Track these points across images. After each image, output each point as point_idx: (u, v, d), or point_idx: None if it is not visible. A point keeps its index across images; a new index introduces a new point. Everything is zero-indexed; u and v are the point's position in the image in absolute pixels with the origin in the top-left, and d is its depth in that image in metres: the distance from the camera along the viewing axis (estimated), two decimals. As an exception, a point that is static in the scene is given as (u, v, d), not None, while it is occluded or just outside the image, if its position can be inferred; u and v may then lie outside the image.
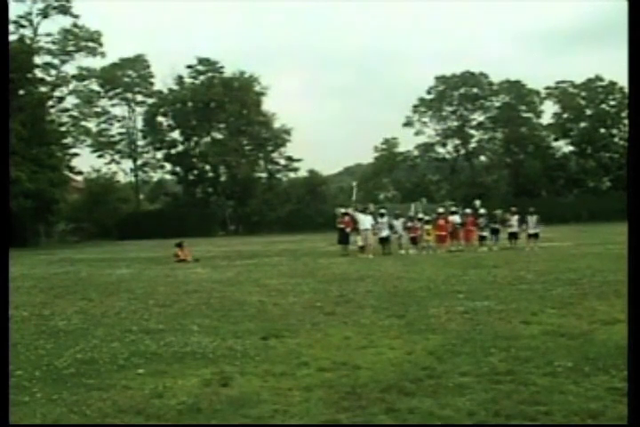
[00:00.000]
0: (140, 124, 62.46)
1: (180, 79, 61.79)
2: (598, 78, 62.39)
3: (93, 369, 5.96)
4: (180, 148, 61.82)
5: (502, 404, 4.54)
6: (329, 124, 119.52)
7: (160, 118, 62.17)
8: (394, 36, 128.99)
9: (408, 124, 65.01)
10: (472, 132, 66.00)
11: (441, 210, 24.08)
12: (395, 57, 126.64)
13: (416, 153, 66.83)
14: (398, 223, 22.54)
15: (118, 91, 61.49)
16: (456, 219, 22.76)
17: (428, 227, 22.38)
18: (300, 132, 73.71)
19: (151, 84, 63.05)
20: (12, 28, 46.18)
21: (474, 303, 9.18)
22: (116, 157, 62.38)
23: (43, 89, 48.47)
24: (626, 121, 57.89)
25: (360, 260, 19.53)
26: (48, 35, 52.05)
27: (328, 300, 10.14)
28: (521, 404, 4.53)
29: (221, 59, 61.94)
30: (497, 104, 64.93)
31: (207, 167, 61.78)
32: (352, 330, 7.49)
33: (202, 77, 61.95)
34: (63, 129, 52.70)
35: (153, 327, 8.08)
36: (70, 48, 53.34)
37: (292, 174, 64.68)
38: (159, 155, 62.67)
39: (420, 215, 23.64)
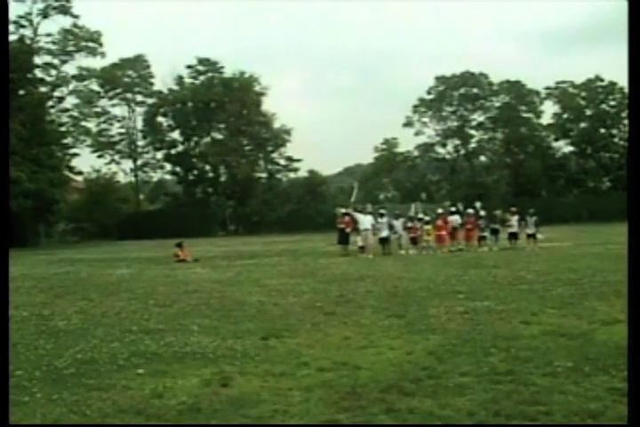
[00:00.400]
0: (140, 124, 62.58)
1: (180, 79, 61.81)
2: (598, 78, 62.39)
3: (93, 369, 5.96)
4: (180, 148, 61.83)
5: (502, 404, 4.54)
6: (329, 124, 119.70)
7: (160, 118, 62.20)
8: (394, 36, 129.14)
9: (408, 124, 65.06)
10: (472, 132, 66.01)
11: (440, 210, 24.11)
12: (395, 57, 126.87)
13: (416, 153, 66.85)
14: (398, 223, 22.55)
15: (118, 91, 61.48)
16: (457, 219, 22.77)
17: (427, 227, 22.40)
18: (300, 132, 73.76)
19: (151, 84, 63.08)
20: (12, 28, 46.21)
21: (474, 303, 9.18)
22: (116, 157, 62.44)
23: (43, 89, 48.48)
24: (626, 121, 57.89)
25: (360, 260, 19.54)
26: (48, 35, 52.15)
27: (328, 300, 10.14)
28: (521, 404, 4.53)
29: (221, 59, 62.04)
30: (497, 104, 64.92)
31: (207, 167, 61.78)
32: (352, 330, 7.49)
33: (202, 77, 61.95)
34: (63, 129, 52.72)
35: (153, 327, 8.09)
36: (70, 48, 53.36)
37: (291, 174, 64.79)
38: (159, 155, 62.77)
39: (420, 215, 23.65)
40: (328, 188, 67.04)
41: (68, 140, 53.12)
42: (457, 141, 65.70)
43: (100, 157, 61.40)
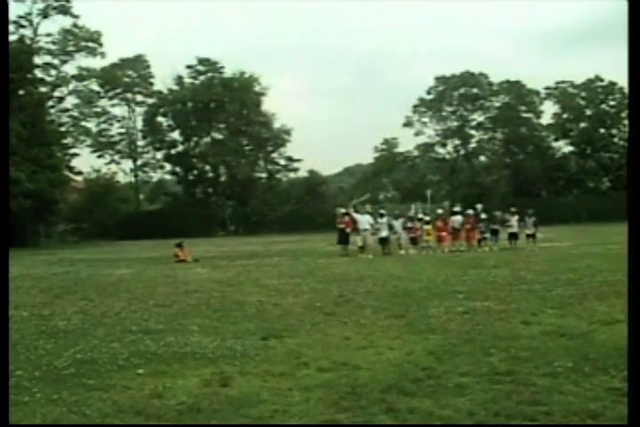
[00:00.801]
0: (139, 124, 62.52)
1: (179, 79, 61.74)
2: (598, 78, 62.38)
3: (93, 369, 5.96)
4: (180, 148, 61.78)
5: (502, 404, 4.54)
6: (329, 124, 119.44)
7: (160, 118, 62.14)
8: (394, 36, 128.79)
9: (408, 124, 65.04)
10: (472, 132, 66.00)
11: (440, 211, 24.13)
12: (395, 57, 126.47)
13: (416, 153, 66.84)
14: (397, 224, 22.56)
15: (118, 91, 61.46)
16: (458, 220, 22.77)
17: (427, 227, 22.44)
18: (300, 132, 73.76)
19: (151, 84, 63.06)
20: (12, 28, 46.17)
21: (474, 303, 9.18)
22: (116, 157, 62.39)
23: (43, 89, 48.46)
24: (626, 121, 57.88)
25: (360, 260, 19.54)
26: (48, 35, 52.14)
27: (328, 300, 10.14)
28: (521, 404, 4.53)
29: (221, 59, 61.97)
30: (497, 104, 64.91)
31: (207, 167, 61.75)
32: (352, 330, 7.49)
33: (202, 77, 61.90)
34: (63, 129, 52.74)
35: (153, 327, 8.09)
36: (70, 48, 53.37)
37: (291, 174, 64.72)
38: (159, 155, 62.70)
39: (420, 215, 23.68)
40: (328, 188, 66.98)
41: (68, 141, 53.14)
42: (457, 141, 65.71)
43: (99, 157, 61.43)
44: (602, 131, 61.86)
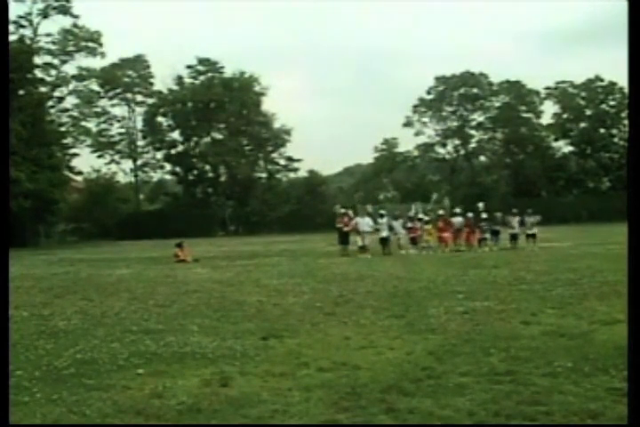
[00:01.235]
0: (139, 124, 62.54)
1: (179, 79, 61.77)
2: (598, 78, 62.39)
3: (93, 369, 5.96)
4: (180, 148, 61.80)
5: (502, 404, 4.54)
6: (329, 124, 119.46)
7: (160, 118, 62.16)
8: (394, 36, 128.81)
9: (408, 124, 65.08)
10: (472, 132, 66.03)
11: (442, 212, 24.15)
12: (395, 57, 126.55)
13: (416, 153, 66.87)
14: (397, 224, 22.56)
15: (118, 91, 61.47)
16: (459, 221, 22.78)
17: (427, 227, 22.48)
18: (300, 132, 73.75)
19: (151, 84, 63.07)
20: (11, 28, 46.16)
21: (474, 304, 9.18)
22: (116, 157, 62.41)
23: (43, 89, 48.45)
24: (626, 121, 57.88)
25: (360, 260, 19.54)
26: (48, 35, 52.10)
27: (328, 300, 10.14)
28: (521, 404, 4.53)
29: (221, 59, 62.00)
30: (497, 104, 64.93)
31: (207, 167, 61.77)
32: (352, 330, 7.49)
33: (202, 77, 61.92)
34: (63, 129, 52.72)
35: (153, 327, 8.09)
36: (70, 48, 53.34)
37: (291, 174, 64.76)
38: (159, 155, 62.73)
39: (421, 215, 23.70)
40: (328, 188, 66.99)
41: (68, 140, 53.11)
42: (457, 141, 65.72)
43: (100, 157, 61.44)
44: (602, 131, 61.86)
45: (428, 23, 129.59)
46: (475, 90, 64.76)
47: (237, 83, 60.70)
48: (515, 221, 22.70)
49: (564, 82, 63.40)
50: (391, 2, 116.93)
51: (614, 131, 61.84)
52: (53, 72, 53.38)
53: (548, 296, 9.74)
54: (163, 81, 62.69)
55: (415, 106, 65.13)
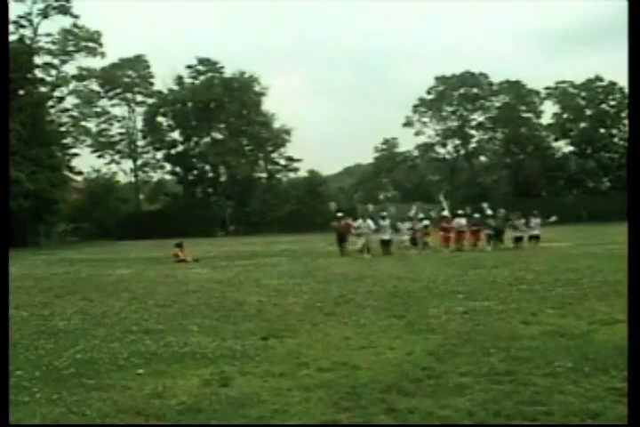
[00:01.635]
0: (139, 124, 62.61)
1: (179, 79, 61.80)
2: (598, 78, 62.42)
3: (93, 369, 5.96)
4: (180, 148, 61.82)
5: (502, 404, 4.54)
6: (329, 124, 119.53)
7: (160, 118, 62.19)
8: (394, 36, 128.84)
9: (408, 124, 65.13)
10: (472, 132, 66.08)
11: (445, 213, 24.13)
12: (395, 56, 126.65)
13: (416, 153, 66.94)
14: (404, 227, 22.42)
15: (118, 91, 61.53)
16: (462, 222, 22.74)
17: (428, 228, 22.52)
18: (300, 132, 73.65)
19: (151, 84, 63.11)
20: (12, 28, 46.14)
21: (474, 304, 9.18)
22: (116, 157, 62.50)
23: (43, 89, 48.49)
24: (626, 121, 57.91)
25: (360, 260, 19.53)
26: (48, 35, 52.15)
27: (328, 300, 10.14)
28: (521, 404, 4.53)
29: (221, 59, 62.03)
30: (497, 104, 64.98)
31: (207, 167, 61.79)
32: (352, 330, 7.49)
33: (202, 77, 61.94)
34: (63, 129, 52.78)
35: (153, 327, 8.09)
36: (70, 48, 53.37)
37: (291, 174, 64.76)
38: (159, 155, 62.80)
39: (421, 215, 23.69)
40: (328, 188, 66.98)
41: (68, 140, 53.18)
42: (457, 141, 65.77)
43: (100, 157, 61.52)
44: (602, 131, 61.89)
45: (429, 23, 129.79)
46: (475, 90, 64.78)
47: (237, 83, 60.72)
48: (521, 222, 22.50)
49: (563, 82, 63.44)
50: (391, 2, 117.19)
51: (614, 131, 61.88)
52: (53, 72, 53.54)
53: (548, 296, 9.74)
54: (163, 81, 62.86)
55: (415, 106, 65.22)
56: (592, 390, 4.80)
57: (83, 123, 59.90)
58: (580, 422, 4.18)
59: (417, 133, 65.20)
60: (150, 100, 62.76)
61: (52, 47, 52.86)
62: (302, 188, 63.10)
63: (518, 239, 22.47)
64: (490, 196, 53.76)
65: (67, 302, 10.87)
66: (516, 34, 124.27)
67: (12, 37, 42.34)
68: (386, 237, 21.76)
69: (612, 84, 61.56)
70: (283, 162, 63.31)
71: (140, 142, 63.04)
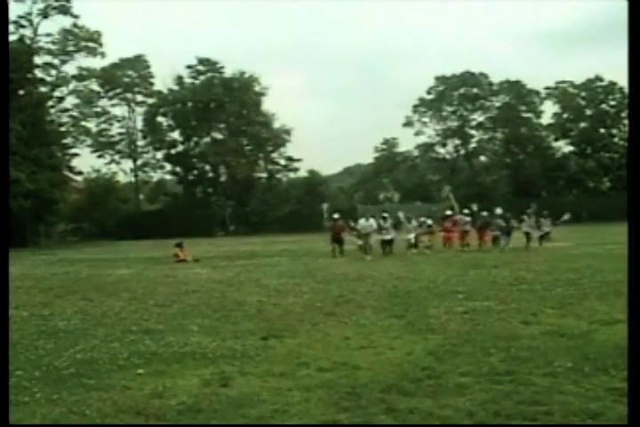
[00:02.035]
0: (140, 124, 62.53)
1: (179, 79, 61.74)
2: (598, 78, 62.39)
3: (93, 369, 5.96)
4: (180, 148, 61.78)
5: (502, 404, 4.54)
6: (329, 124, 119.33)
7: (160, 118, 62.13)
8: (394, 36, 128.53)
9: (408, 124, 65.07)
10: (472, 132, 66.02)
11: (449, 212, 24.05)
12: (395, 57, 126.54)
13: (416, 153, 66.89)
14: (412, 226, 22.34)
15: (118, 91, 61.48)
16: (465, 220, 22.67)
17: (431, 227, 22.55)
18: (300, 132, 73.59)
19: (151, 84, 63.05)
20: (12, 28, 46.09)
21: (474, 304, 9.18)
22: (116, 157, 62.42)
23: (43, 89, 48.47)
24: (626, 121, 57.88)
25: (360, 260, 19.53)
26: (48, 35, 52.07)
27: (328, 300, 10.14)
28: (521, 404, 4.53)
29: (221, 59, 61.98)
30: (497, 104, 64.91)
31: (207, 167, 61.76)
32: (352, 330, 7.49)
33: (202, 77, 61.89)
34: (63, 129, 52.72)
35: (153, 327, 8.09)
36: (70, 48, 53.34)
37: (291, 174, 64.65)
38: (159, 155, 62.70)
39: (423, 218, 23.65)
40: (328, 188, 66.96)
41: (68, 140, 53.12)
42: (457, 141, 65.73)
43: (100, 157, 61.46)
44: (602, 131, 61.85)
45: (428, 23, 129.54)
46: (475, 90, 64.74)
47: (237, 83, 60.68)
48: (531, 221, 22.26)
49: (563, 82, 63.40)
50: (391, 2, 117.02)
51: (614, 131, 61.83)
52: (53, 72, 53.50)
53: (548, 296, 9.74)
54: (163, 81, 62.77)
55: (415, 106, 65.17)
56: (592, 390, 4.80)
57: (83, 123, 59.88)
58: (580, 422, 4.18)
59: (417, 133, 65.23)
60: (150, 100, 62.73)
61: (52, 47, 52.85)
62: (302, 188, 63.08)
63: (527, 237, 22.10)
64: (490, 196, 53.82)
65: (67, 302, 10.87)
66: (515, 34, 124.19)
67: (12, 37, 42.39)
68: (388, 237, 21.70)
69: (612, 84, 61.53)
70: (283, 162, 63.28)
71: (140, 142, 63.04)
